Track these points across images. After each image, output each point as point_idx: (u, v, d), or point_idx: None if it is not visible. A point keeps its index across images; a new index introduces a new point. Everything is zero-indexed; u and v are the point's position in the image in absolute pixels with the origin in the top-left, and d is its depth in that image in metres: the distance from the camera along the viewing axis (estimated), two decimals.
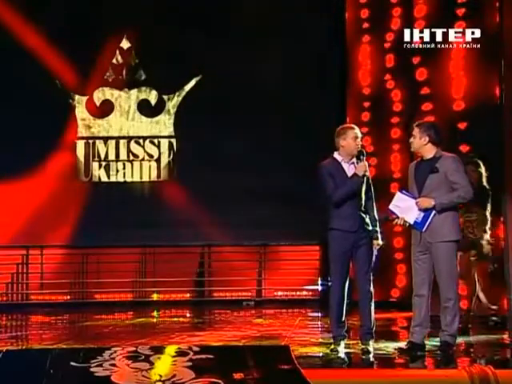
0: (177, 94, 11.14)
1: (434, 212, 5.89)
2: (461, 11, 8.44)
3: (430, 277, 5.96)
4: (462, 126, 8.53)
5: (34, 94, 10.57)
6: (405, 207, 6.01)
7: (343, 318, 6.15)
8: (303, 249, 10.81)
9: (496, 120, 8.23)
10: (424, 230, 5.90)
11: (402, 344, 6.12)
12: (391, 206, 6.11)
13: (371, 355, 5.94)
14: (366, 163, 6.16)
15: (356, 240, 6.09)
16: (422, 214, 5.92)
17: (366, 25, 9.99)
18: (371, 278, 6.15)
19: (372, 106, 10.00)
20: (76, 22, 10.74)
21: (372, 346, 6.09)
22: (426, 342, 6.06)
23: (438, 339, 6.01)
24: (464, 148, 8.37)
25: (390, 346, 6.31)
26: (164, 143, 11.18)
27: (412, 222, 5.98)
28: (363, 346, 6.09)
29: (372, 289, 6.13)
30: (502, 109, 7.95)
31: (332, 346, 6.09)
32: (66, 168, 10.99)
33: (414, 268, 6.07)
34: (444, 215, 5.91)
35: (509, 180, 7.58)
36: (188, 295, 11.03)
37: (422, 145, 6.02)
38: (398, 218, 6.05)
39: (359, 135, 6.23)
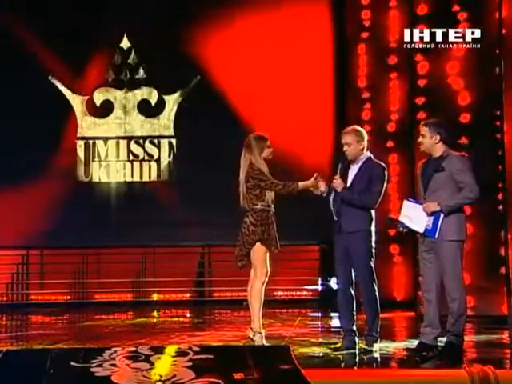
0: (177, 93, 11.14)
1: (442, 216, 5.71)
2: (461, 11, 8.43)
3: (438, 277, 5.79)
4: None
5: (34, 94, 10.57)
6: (414, 216, 5.83)
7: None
8: (303, 249, 10.80)
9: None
10: (436, 236, 5.72)
11: (402, 344, 6.11)
12: (401, 218, 5.95)
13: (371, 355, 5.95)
14: None
15: None
16: (432, 220, 5.74)
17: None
18: None
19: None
20: (76, 22, 10.73)
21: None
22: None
23: (444, 340, 5.95)
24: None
25: (390, 346, 6.30)
26: (164, 143, 11.18)
27: (423, 231, 5.80)
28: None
29: None
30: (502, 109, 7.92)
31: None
32: (65, 168, 10.99)
33: (420, 268, 5.98)
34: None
35: (510, 180, 7.55)
36: (188, 295, 11.03)
37: (434, 144, 5.82)
38: (405, 228, 5.90)
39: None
